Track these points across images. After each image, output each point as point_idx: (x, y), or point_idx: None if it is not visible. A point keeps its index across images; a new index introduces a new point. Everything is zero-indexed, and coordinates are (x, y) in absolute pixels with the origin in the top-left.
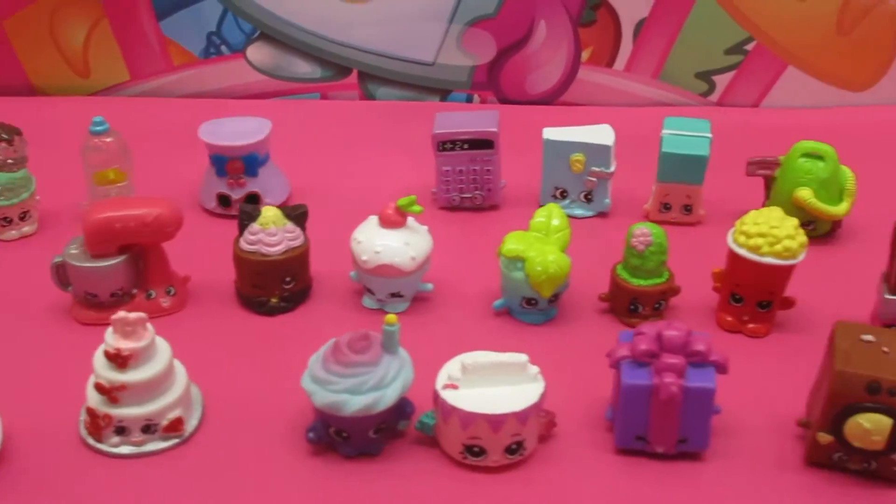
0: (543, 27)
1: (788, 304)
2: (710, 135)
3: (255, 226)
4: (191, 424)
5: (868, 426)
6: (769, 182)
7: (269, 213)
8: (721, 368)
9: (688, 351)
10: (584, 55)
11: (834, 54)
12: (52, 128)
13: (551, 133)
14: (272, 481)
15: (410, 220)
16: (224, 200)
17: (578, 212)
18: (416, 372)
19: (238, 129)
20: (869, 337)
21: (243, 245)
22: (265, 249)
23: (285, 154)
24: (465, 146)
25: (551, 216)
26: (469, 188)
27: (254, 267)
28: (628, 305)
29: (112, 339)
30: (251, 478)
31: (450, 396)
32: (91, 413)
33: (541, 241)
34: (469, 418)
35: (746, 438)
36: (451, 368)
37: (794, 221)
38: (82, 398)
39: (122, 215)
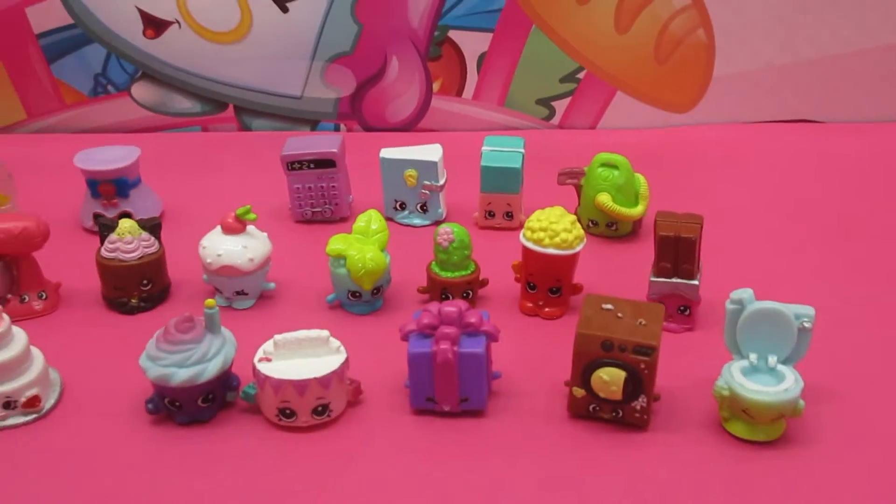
0: (396, 62)
1: (577, 289)
2: (523, 150)
3: (112, 235)
4: (49, 402)
5: (606, 378)
6: (578, 189)
7: (125, 224)
8: (492, 337)
9: (462, 323)
10: (436, 86)
11: (655, 80)
12: None
13: (387, 153)
14: (118, 447)
15: (251, 227)
16: (100, 220)
17: (416, 221)
18: (245, 359)
19: (109, 157)
20: (608, 306)
21: (103, 253)
22: (122, 256)
23: (167, 179)
24: (311, 165)
25: (371, 220)
26: (319, 203)
27: (113, 272)
28: (440, 296)
29: None
30: (100, 444)
31: (264, 367)
32: None
33: (361, 242)
34: (279, 384)
35: (524, 399)
36: (265, 346)
37: (572, 218)
38: None
39: None
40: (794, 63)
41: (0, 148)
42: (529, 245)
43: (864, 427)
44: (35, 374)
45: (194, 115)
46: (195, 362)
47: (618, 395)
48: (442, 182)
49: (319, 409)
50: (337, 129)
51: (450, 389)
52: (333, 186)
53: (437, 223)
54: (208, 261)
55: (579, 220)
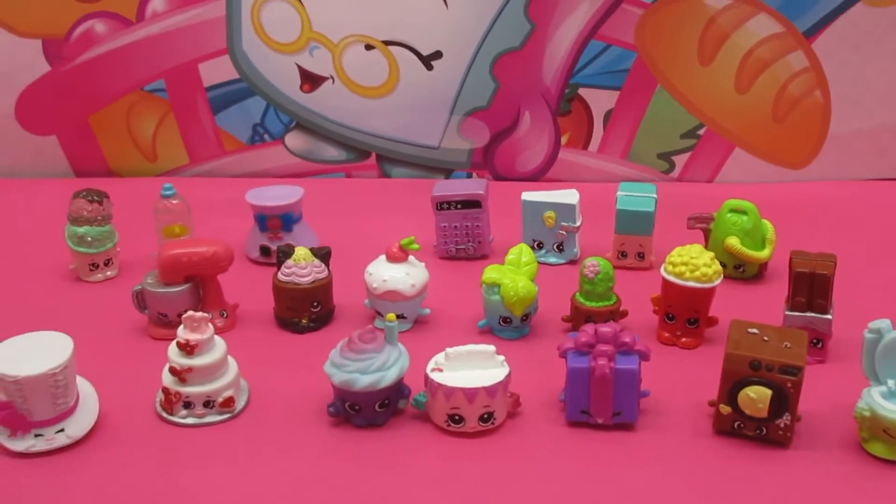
0: (528, 116)
1: (712, 322)
2: (655, 195)
3: (289, 261)
4: (240, 404)
5: (753, 396)
6: (707, 234)
7: (301, 251)
8: (644, 356)
9: (617, 342)
10: (563, 139)
11: (772, 138)
12: (127, 201)
13: (528, 195)
14: (302, 445)
15: (411, 257)
16: (265, 251)
17: (552, 259)
18: (414, 371)
19: (276, 194)
20: (754, 330)
21: (280, 276)
22: (297, 280)
23: (316, 221)
24: (458, 206)
25: (521, 254)
26: (463, 240)
27: (288, 293)
28: (584, 324)
29: (182, 333)
30: (285, 442)
31: (436, 377)
32: (165, 391)
33: (513, 272)
34: (450, 392)
35: (670, 416)
36: (437, 357)
37: (711, 254)
38: (157, 388)
39: (188, 251)
40: None
41: None
42: (671, 278)
43: None
44: (230, 378)
45: (339, 162)
46: (376, 370)
47: (764, 412)
48: (578, 224)
49: (485, 416)
50: (469, 177)
51: (604, 403)
52: (478, 226)
53: (572, 262)
54: (374, 286)
55: None
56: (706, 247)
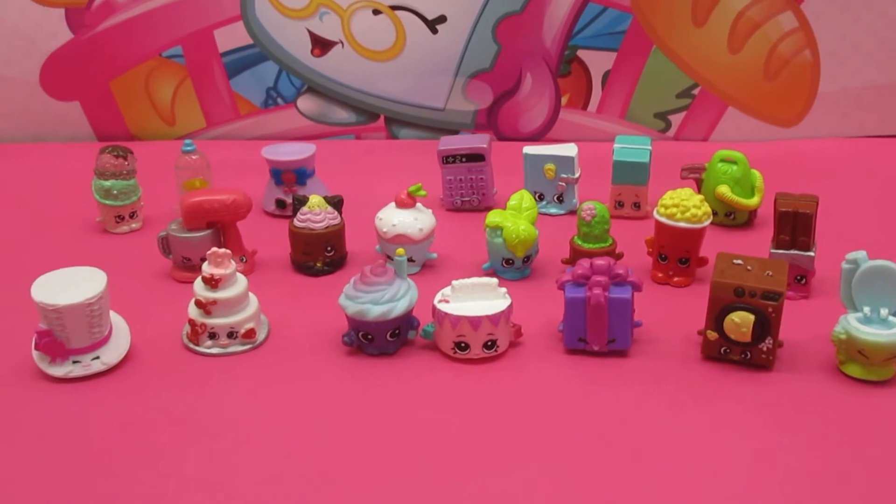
0: (529, 78)
1: (703, 262)
2: (650, 147)
3: (304, 208)
4: (261, 336)
5: (738, 321)
6: (699, 183)
7: (315, 199)
8: (636, 287)
9: (611, 274)
10: (564, 100)
11: (764, 97)
12: (147, 163)
13: (529, 149)
14: (319, 372)
15: (419, 204)
16: (280, 204)
17: (553, 210)
18: (422, 308)
19: (291, 150)
20: (738, 261)
21: (296, 222)
22: (312, 225)
23: (327, 180)
24: (463, 159)
25: (523, 199)
26: (467, 193)
27: (303, 238)
28: None
29: (207, 268)
30: (304, 370)
31: (443, 307)
32: (191, 323)
33: (515, 216)
34: (456, 320)
35: (662, 345)
36: (444, 290)
37: (700, 197)
38: (183, 323)
39: (210, 199)
40: (894, 82)
41: None
42: (663, 220)
43: None
44: (252, 311)
45: (349, 124)
46: (387, 300)
47: (747, 336)
48: (577, 175)
49: (489, 343)
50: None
51: (600, 331)
52: (482, 178)
53: (572, 213)
54: (384, 230)
55: None
56: None
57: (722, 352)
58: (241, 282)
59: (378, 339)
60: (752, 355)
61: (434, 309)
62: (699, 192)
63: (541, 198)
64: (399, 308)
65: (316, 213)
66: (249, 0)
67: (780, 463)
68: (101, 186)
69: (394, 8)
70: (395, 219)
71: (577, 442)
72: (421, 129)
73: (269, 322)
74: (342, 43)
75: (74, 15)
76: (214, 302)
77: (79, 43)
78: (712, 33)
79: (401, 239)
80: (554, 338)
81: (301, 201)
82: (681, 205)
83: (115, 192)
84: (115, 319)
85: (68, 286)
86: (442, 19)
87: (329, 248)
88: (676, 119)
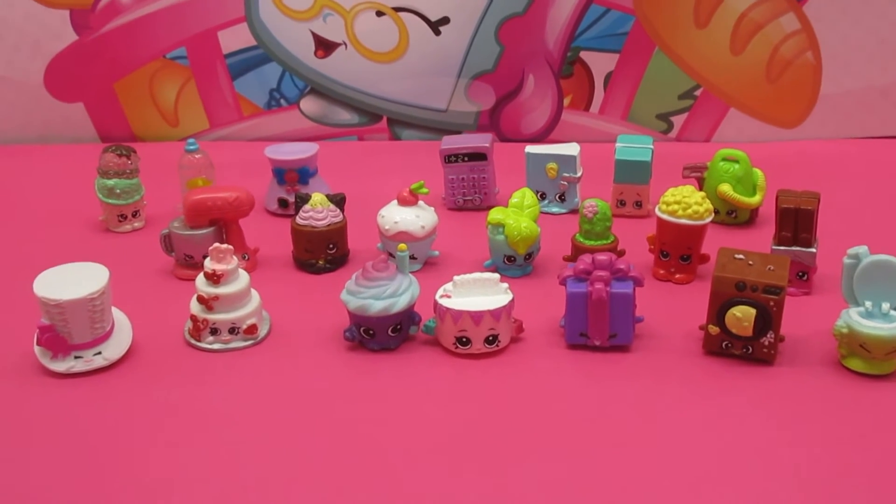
0: (532, 80)
1: (704, 258)
2: (652, 146)
3: (307, 206)
4: (262, 332)
5: (739, 315)
6: (701, 182)
7: (317, 197)
8: (638, 282)
9: (613, 269)
10: (566, 101)
11: (766, 98)
12: (150, 164)
13: (532, 148)
14: (320, 367)
15: (421, 201)
16: (283, 203)
17: (555, 209)
18: (424, 305)
19: (293, 149)
20: (740, 256)
21: (298, 220)
22: (314, 223)
23: (330, 180)
24: (465, 158)
25: (524, 197)
26: (469, 192)
27: (305, 236)
28: None
29: (209, 264)
30: (305, 365)
31: (444, 302)
32: (193, 319)
33: (517, 214)
34: (457, 315)
35: (663, 340)
36: (446, 286)
37: (702, 194)
38: (185, 320)
39: (212, 196)
40: (895, 83)
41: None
42: (665, 217)
43: None
44: (253, 307)
45: (352, 126)
46: (389, 296)
47: (749, 330)
48: (579, 174)
49: (490, 338)
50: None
51: (601, 325)
52: (483, 178)
53: (574, 212)
54: (386, 227)
55: None
56: None
57: (723, 346)
58: (243, 278)
59: (379, 335)
60: (753, 350)
61: (436, 304)
62: (701, 190)
63: (543, 197)
64: (401, 303)
65: (318, 211)
66: (253, 1)
67: (782, 457)
68: (104, 185)
69: (397, 9)
70: (397, 216)
71: (578, 436)
72: (423, 130)
73: (270, 318)
74: (345, 44)
75: (79, 16)
76: (216, 297)
77: (83, 44)
78: (714, 35)
79: (403, 236)
80: (555, 333)
81: (303, 199)
82: (682, 202)
83: (118, 190)
84: (117, 315)
85: (70, 281)
86: (445, 21)
87: (331, 246)
88: (678, 120)
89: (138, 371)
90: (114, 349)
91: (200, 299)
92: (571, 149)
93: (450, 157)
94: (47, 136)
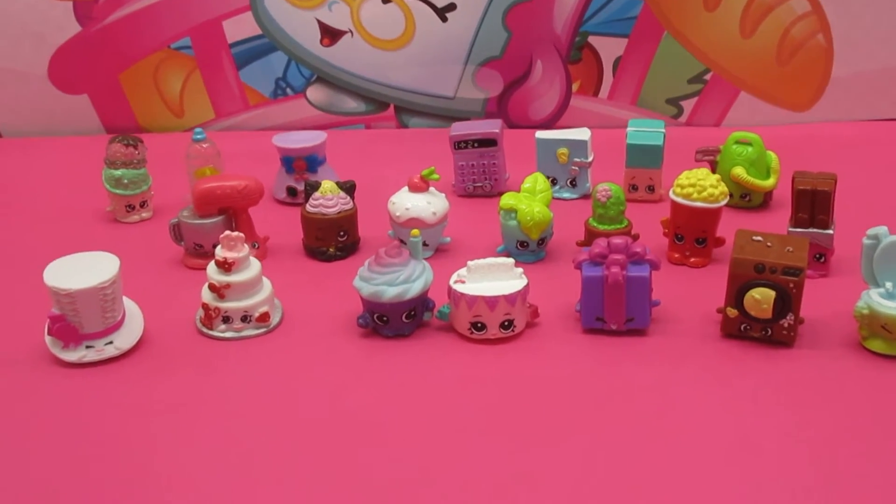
0: (540, 65)
1: (720, 242)
2: (664, 130)
3: (316, 193)
4: (274, 320)
5: (758, 297)
6: (714, 166)
7: (327, 184)
8: (654, 265)
9: (629, 252)
10: (574, 87)
11: (776, 81)
12: (157, 155)
13: (542, 134)
14: (333, 354)
15: (432, 188)
16: (291, 191)
17: (566, 195)
18: (438, 292)
19: (302, 138)
20: (758, 238)
21: (308, 208)
22: (325, 210)
23: (338, 169)
24: (475, 144)
25: (537, 182)
26: (479, 178)
27: (316, 223)
28: None
29: (220, 252)
30: (318, 352)
31: (459, 287)
32: (205, 307)
33: (529, 199)
34: (472, 300)
35: (680, 324)
36: (460, 271)
37: (717, 176)
38: (196, 309)
39: (221, 185)
40: None
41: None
42: (679, 200)
43: None
44: (266, 295)
45: (359, 114)
46: (402, 282)
47: (768, 313)
48: (590, 159)
49: (506, 323)
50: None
51: (617, 309)
52: (494, 164)
53: (585, 197)
54: (397, 214)
55: None
56: None
57: (742, 329)
58: (255, 265)
59: (393, 321)
60: (773, 332)
61: (450, 289)
62: (714, 174)
63: (554, 182)
64: (415, 289)
65: (328, 199)
66: None
67: (802, 440)
68: (111, 176)
69: None
70: (408, 202)
71: (596, 421)
72: (431, 117)
73: (282, 306)
74: (351, 32)
75: (82, 7)
76: (228, 285)
77: (87, 36)
78: (724, 18)
79: (414, 223)
80: (571, 318)
81: (313, 187)
82: (697, 184)
83: (125, 181)
84: (129, 305)
85: (81, 271)
86: (452, 7)
87: (342, 234)
88: (688, 105)
89: (150, 360)
90: (125, 338)
91: (212, 287)
92: (582, 133)
93: (459, 144)
94: (52, 129)
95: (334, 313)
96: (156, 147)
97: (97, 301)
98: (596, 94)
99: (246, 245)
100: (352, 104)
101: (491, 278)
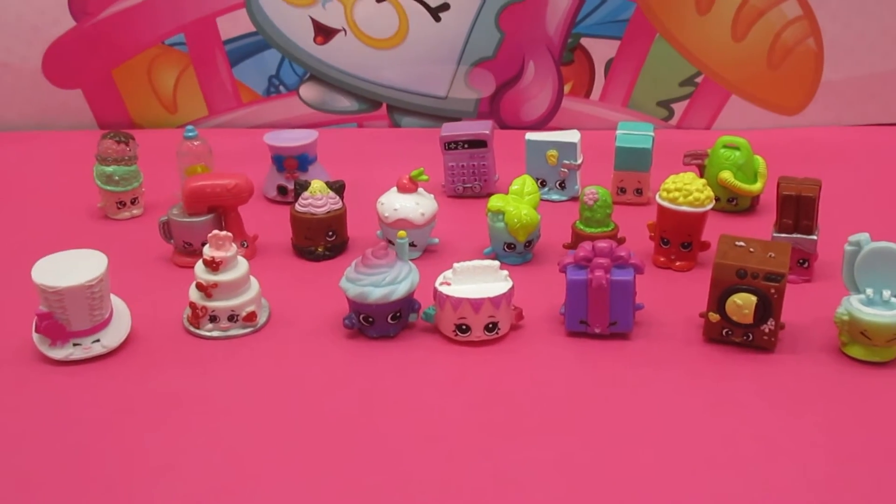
0: (532, 67)
1: (705, 246)
2: (653, 134)
3: (306, 193)
4: (261, 319)
5: (740, 302)
6: (702, 169)
7: (317, 184)
8: (638, 269)
9: (613, 256)
10: (566, 88)
11: (767, 85)
12: (149, 151)
13: (532, 135)
14: (319, 355)
15: (421, 189)
16: (282, 190)
17: (555, 197)
18: (424, 293)
19: (293, 136)
20: (741, 243)
21: (297, 207)
22: (314, 210)
23: (329, 168)
24: (465, 145)
25: (525, 184)
26: (469, 179)
27: (305, 223)
28: None
29: (208, 251)
30: (304, 352)
31: (444, 289)
32: (192, 306)
33: (517, 201)
34: (457, 302)
35: (663, 328)
36: (445, 273)
37: (703, 181)
38: (184, 307)
39: (211, 183)
40: None
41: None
42: (665, 204)
43: None
44: (253, 295)
45: (352, 112)
46: (388, 283)
47: (749, 318)
48: (579, 162)
49: (490, 325)
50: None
51: (601, 313)
52: (483, 165)
53: (574, 199)
54: (386, 214)
55: None
56: None
57: (724, 334)
58: (242, 265)
59: (379, 322)
60: (754, 337)
61: (435, 291)
62: (702, 178)
63: (543, 184)
64: (400, 290)
65: (317, 198)
66: None
67: (783, 444)
68: (102, 172)
69: None
70: (396, 203)
71: (579, 423)
72: (423, 117)
73: (269, 306)
74: (345, 31)
75: (77, 2)
76: (215, 284)
77: (81, 30)
78: (716, 21)
79: (402, 223)
80: (555, 321)
81: (303, 186)
82: (683, 189)
83: (116, 177)
84: (116, 302)
85: (69, 268)
86: (445, 7)
87: (330, 233)
88: (679, 107)
89: (137, 358)
90: (112, 336)
91: (199, 286)
92: (572, 136)
93: (450, 144)
94: (45, 123)
95: (321, 313)
96: (148, 144)
97: (85, 299)
98: (587, 95)
99: (234, 244)
100: (345, 103)
101: (476, 280)
